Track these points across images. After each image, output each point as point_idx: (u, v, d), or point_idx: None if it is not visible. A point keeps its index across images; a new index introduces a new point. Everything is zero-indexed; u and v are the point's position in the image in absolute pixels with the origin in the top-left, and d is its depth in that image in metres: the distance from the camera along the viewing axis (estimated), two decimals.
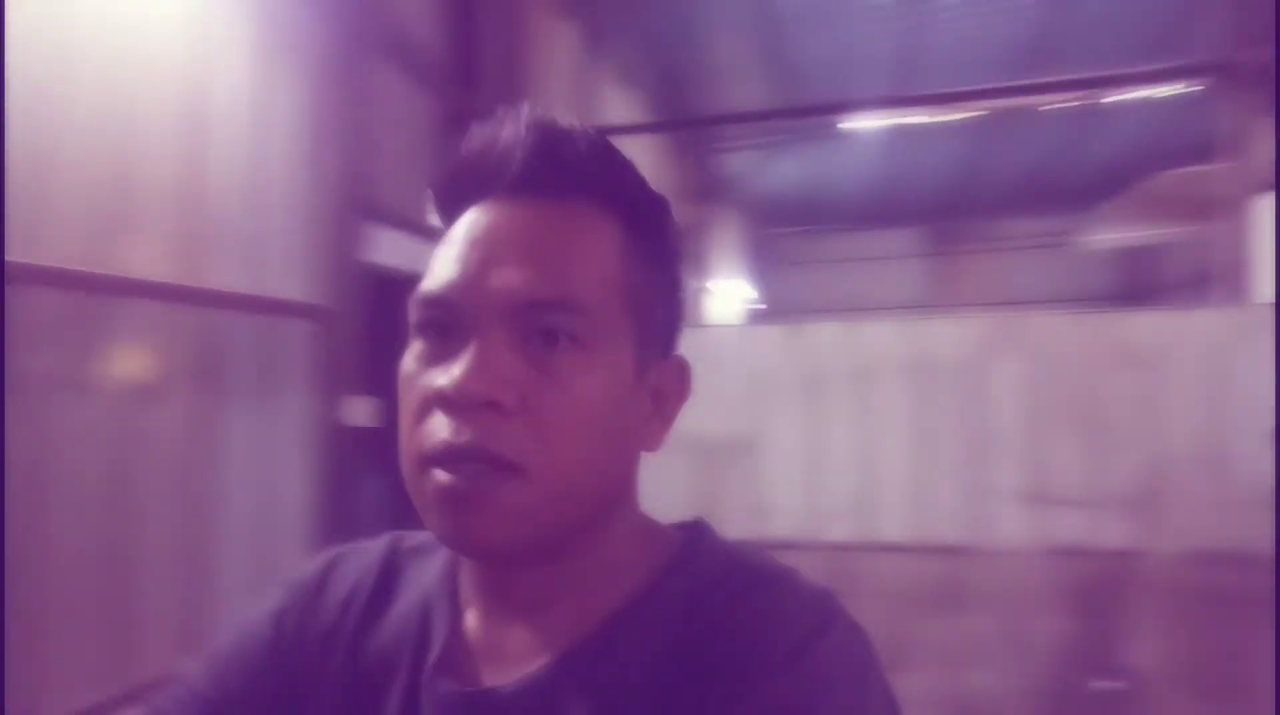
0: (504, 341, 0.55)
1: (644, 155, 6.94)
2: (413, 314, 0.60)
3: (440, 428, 0.55)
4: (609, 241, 0.59)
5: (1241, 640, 3.71)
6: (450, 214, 0.63)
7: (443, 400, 0.55)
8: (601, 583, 0.61)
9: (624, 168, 0.61)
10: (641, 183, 0.62)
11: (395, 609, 0.66)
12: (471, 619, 0.64)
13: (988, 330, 4.53)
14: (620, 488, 0.62)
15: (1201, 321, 4.51)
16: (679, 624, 0.59)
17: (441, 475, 0.55)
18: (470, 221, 0.60)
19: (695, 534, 0.65)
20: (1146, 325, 4.67)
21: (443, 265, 0.59)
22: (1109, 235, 10.01)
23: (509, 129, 0.60)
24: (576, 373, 0.56)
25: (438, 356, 0.57)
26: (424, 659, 0.62)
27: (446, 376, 0.55)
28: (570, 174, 0.59)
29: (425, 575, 0.67)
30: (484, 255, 0.57)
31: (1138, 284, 13.31)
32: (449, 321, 0.57)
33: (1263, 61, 4.50)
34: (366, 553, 0.70)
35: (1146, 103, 8.17)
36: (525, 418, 0.55)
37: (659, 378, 0.63)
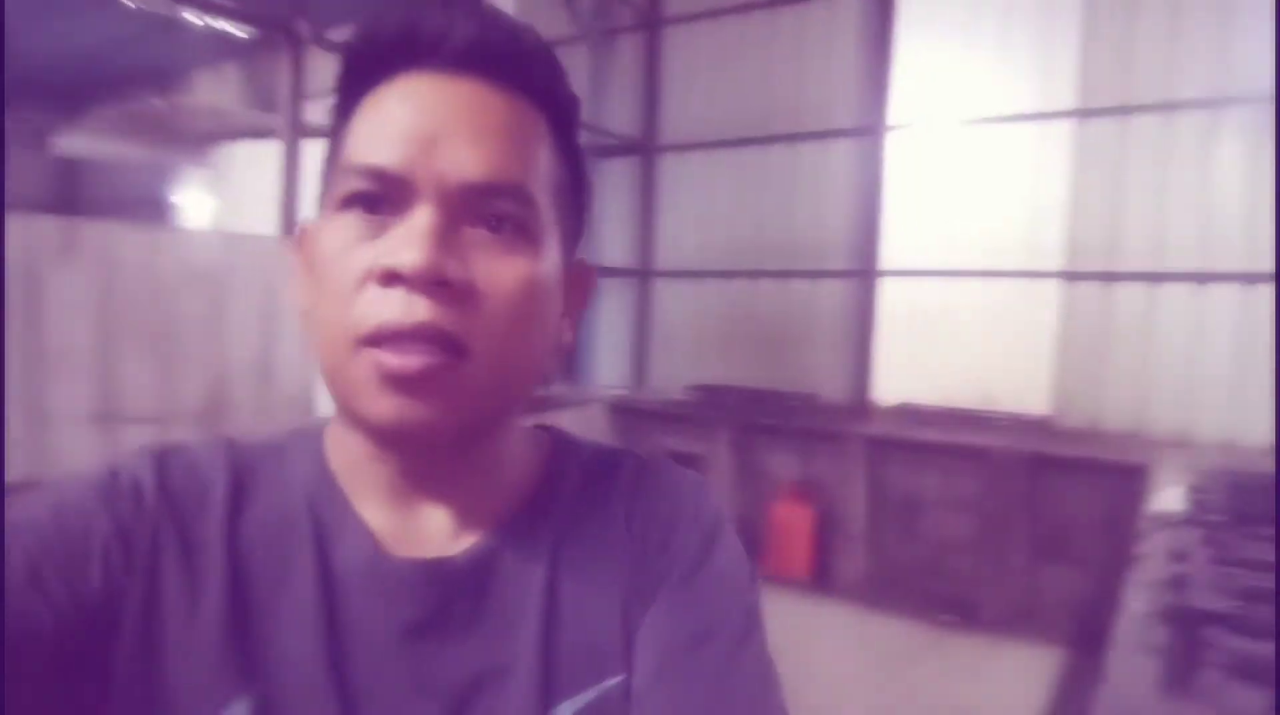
0: (449, 221, 0.55)
1: None
2: (340, 183, 0.57)
3: (384, 306, 0.53)
4: (544, 137, 0.61)
5: None
6: (365, 80, 0.60)
7: (392, 277, 0.53)
8: (506, 468, 0.65)
9: (558, 67, 0.63)
10: (568, 83, 0.64)
11: (262, 505, 0.62)
12: (372, 507, 0.62)
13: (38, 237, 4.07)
14: (539, 379, 0.64)
15: (249, 245, 5.04)
16: (590, 502, 0.67)
17: (387, 357, 0.53)
18: (407, 92, 0.57)
19: (555, 430, 0.76)
20: (205, 244, 4.96)
21: (380, 135, 0.56)
22: (85, 142, 9.58)
23: (444, 4, 0.59)
24: (520, 261, 0.57)
25: (369, 231, 0.56)
26: (330, 546, 0.61)
27: (401, 253, 0.53)
28: (511, 63, 0.59)
29: (290, 471, 0.64)
30: (433, 130, 0.55)
31: (86, 196, 13.03)
32: (383, 195, 0.55)
33: (299, 33, 5.22)
34: (201, 453, 0.63)
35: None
36: (470, 300, 0.55)
37: (571, 277, 0.65)
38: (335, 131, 0.62)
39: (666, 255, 7.60)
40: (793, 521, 5.98)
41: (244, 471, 0.63)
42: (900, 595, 5.72)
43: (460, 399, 0.55)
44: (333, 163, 0.61)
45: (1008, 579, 5.35)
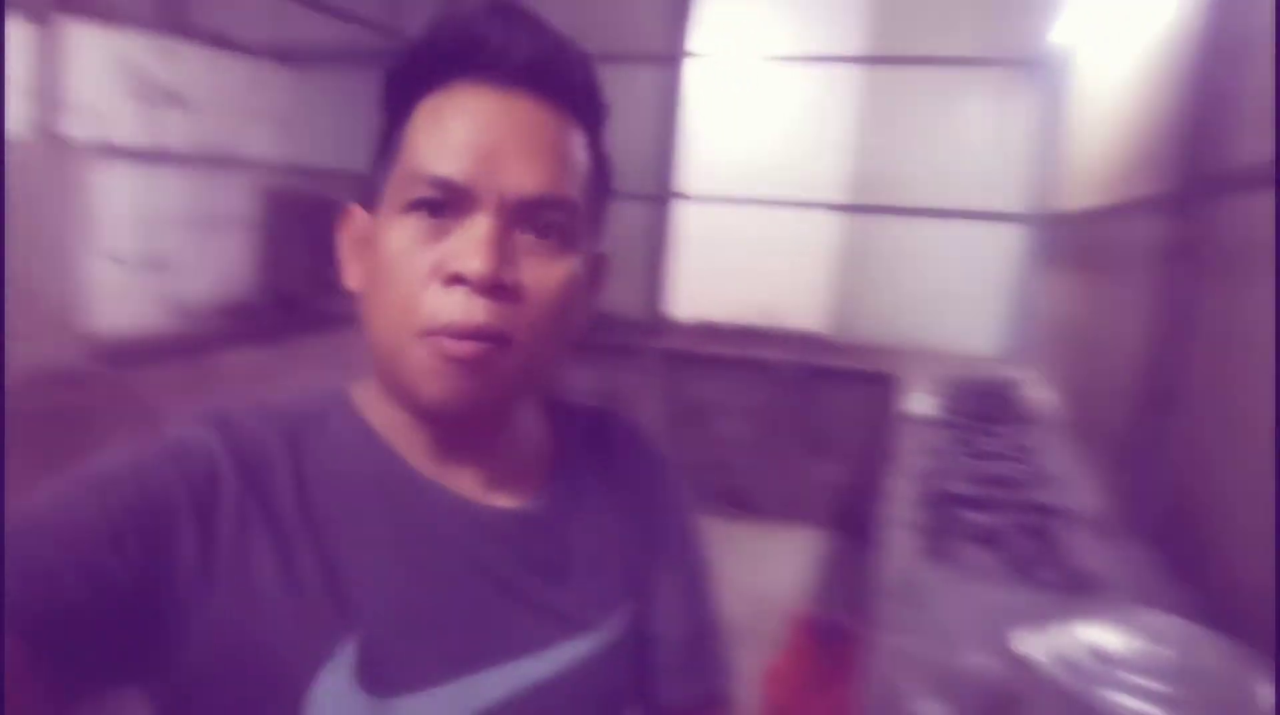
0: (504, 228, 0.63)
1: None
2: (406, 188, 0.63)
3: (449, 305, 0.62)
4: (584, 147, 0.69)
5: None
6: (422, 85, 0.66)
7: (456, 280, 0.61)
8: (523, 434, 0.77)
9: (598, 80, 0.70)
10: (605, 92, 0.72)
11: (324, 465, 0.67)
12: (427, 467, 0.71)
13: None
14: (563, 361, 0.72)
15: None
16: (598, 466, 0.81)
17: (450, 345, 0.62)
18: (471, 106, 0.63)
19: (548, 396, 0.87)
20: None
21: (446, 148, 0.62)
22: None
23: (502, 18, 0.65)
24: (559, 262, 0.66)
25: (432, 234, 0.63)
26: (405, 498, 0.68)
27: (464, 259, 0.61)
28: (563, 81, 0.66)
29: (338, 434, 0.70)
30: (494, 146, 0.62)
31: None
32: (446, 202, 0.62)
33: None
34: (256, 420, 0.68)
35: None
36: (518, 299, 0.64)
37: (592, 268, 0.73)
38: (390, 130, 0.68)
39: None
40: None
41: (297, 436, 0.68)
42: (692, 492, 6.29)
43: (500, 381, 0.65)
44: (389, 161, 0.67)
45: (784, 475, 6.07)
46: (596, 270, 0.75)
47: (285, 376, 4.55)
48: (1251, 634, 1.28)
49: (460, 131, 0.63)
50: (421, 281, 0.63)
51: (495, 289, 0.62)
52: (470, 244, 0.61)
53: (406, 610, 0.65)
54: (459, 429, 0.70)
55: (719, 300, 6.93)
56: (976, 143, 6.28)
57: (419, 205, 0.63)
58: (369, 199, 0.70)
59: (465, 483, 0.71)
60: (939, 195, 6.41)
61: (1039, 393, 4.90)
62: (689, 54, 6.70)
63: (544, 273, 0.65)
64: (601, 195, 0.73)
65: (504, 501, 0.73)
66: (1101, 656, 1.24)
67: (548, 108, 0.65)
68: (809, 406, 6.14)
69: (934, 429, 3.78)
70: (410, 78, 0.67)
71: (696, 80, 6.77)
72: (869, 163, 6.61)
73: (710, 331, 6.80)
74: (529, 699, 0.68)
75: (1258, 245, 2.53)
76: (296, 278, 5.37)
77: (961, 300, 6.41)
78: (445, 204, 0.63)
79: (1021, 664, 1.31)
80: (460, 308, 0.61)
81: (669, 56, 6.72)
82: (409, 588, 0.66)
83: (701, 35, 6.69)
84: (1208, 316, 2.83)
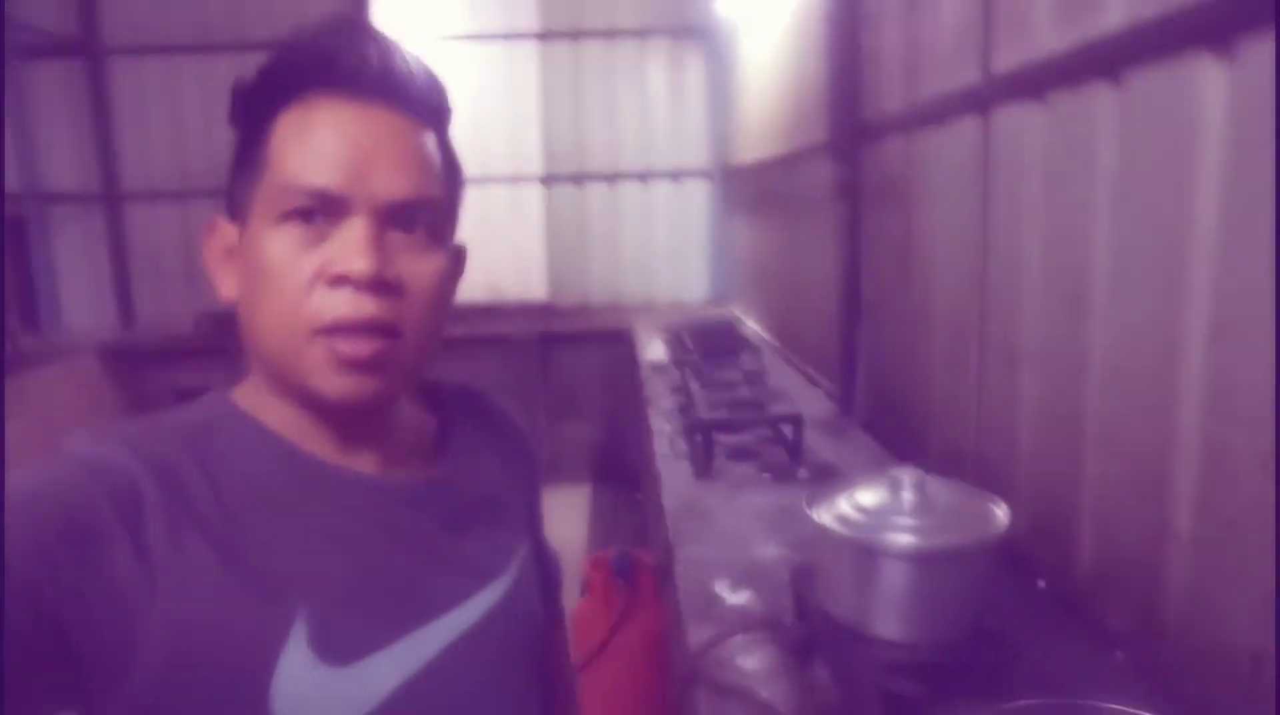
0: (378, 229, 0.67)
1: None
2: (279, 199, 0.67)
3: (337, 303, 0.65)
4: (439, 152, 0.74)
5: None
6: (279, 97, 0.69)
7: (341, 280, 0.65)
8: (407, 415, 0.83)
9: (445, 89, 0.76)
10: (448, 98, 0.77)
11: (238, 470, 0.69)
12: (328, 455, 0.74)
13: None
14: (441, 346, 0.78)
15: None
16: (474, 437, 0.89)
17: (344, 344, 0.66)
18: (336, 118, 0.67)
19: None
20: None
21: (318, 159, 0.66)
22: None
23: (352, 33, 0.70)
24: (430, 256, 0.71)
25: (310, 240, 0.66)
26: (323, 485, 0.72)
27: (347, 260, 0.64)
28: (416, 91, 0.71)
29: (238, 440, 0.71)
30: (363, 155, 0.67)
31: None
32: (320, 209, 0.66)
33: None
34: (163, 437, 0.69)
35: None
36: (399, 293, 0.68)
37: (454, 259, 0.78)
38: (249, 144, 0.71)
39: (135, 176, 6.65)
40: None
41: (199, 446, 0.70)
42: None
43: (396, 373, 0.70)
44: (253, 174, 0.70)
45: (540, 441, 6.27)
46: (458, 260, 0.80)
47: None
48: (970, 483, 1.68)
49: (330, 143, 0.66)
50: (305, 285, 0.66)
51: (379, 285, 0.66)
52: (351, 246, 0.65)
53: (343, 584, 0.69)
54: (356, 419, 0.73)
55: None
56: (658, 108, 6.82)
57: (293, 214, 0.66)
58: (233, 210, 0.72)
59: (366, 464, 0.76)
60: (632, 159, 6.89)
61: (751, 325, 5.54)
62: None
63: (419, 267, 0.70)
64: (455, 191, 0.78)
65: (405, 475, 0.79)
66: (867, 510, 1.55)
67: (402, 114, 0.70)
68: (549, 372, 6.38)
69: (672, 371, 4.17)
70: (266, 93, 0.70)
71: None
72: (561, 135, 6.91)
73: None
74: (464, 644, 0.75)
75: (901, 179, 3.12)
76: None
77: (668, 254, 6.99)
78: (319, 211, 0.66)
79: (816, 530, 1.59)
80: (349, 304, 0.65)
81: None
82: (340, 564, 0.70)
83: (380, 16, 6.52)
84: (874, 239, 3.43)
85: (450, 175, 0.76)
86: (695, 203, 6.89)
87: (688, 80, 6.74)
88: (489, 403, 0.99)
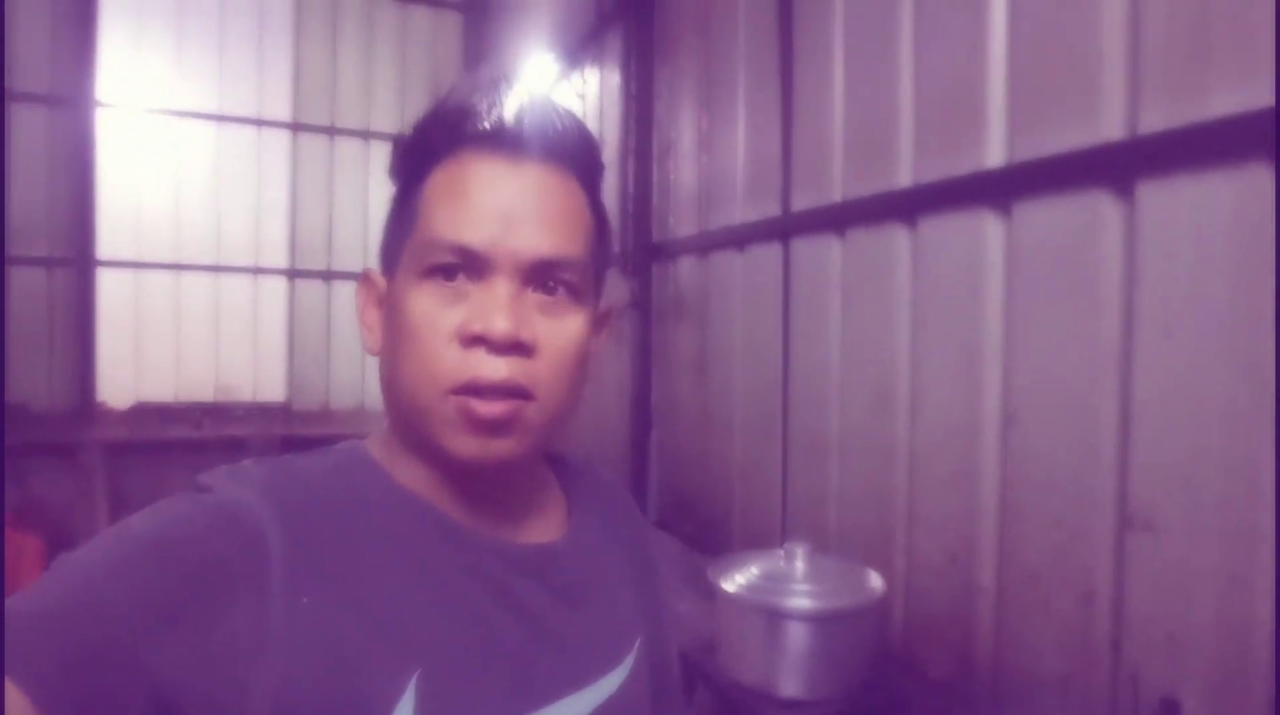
0: (519, 289, 0.66)
1: None
2: (425, 255, 0.67)
3: (472, 363, 0.64)
4: (587, 209, 0.72)
5: None
6: (434, 153, 0.70)
7: (478, 340, 0.64)
8: (538, 481, 0.80)
9: (597, 147, 0.74)
10: (599, 155, 0.75)
11: (361, 519, 0.68)
12: (456, 514, 0.72)
13: None
14: (578, 410, 0.74)
15: None
16: (597, 507, 0.85)
17: (477, 404, 0.64)
18: (485, 176, 0.68)
19: None
20: None
21: (464, 217, 0.66)
22: None
23: (505, 90, 0.70)
24: (570, 317, 0.69)
25: (451, 298, 0.66)
26: (451, 543, 0.70)
27: (485, 320, 0.64)
28: (567, 149, 0.70)
29: (363, 490, 0.71)
30: (509, 213, 0.66)
31: None
32: (460, 266, 0.66)
33: None
34: (295, 479, 0.68)
35: None
36: (535, 354, 0.66)
37: (599, 321, 0.76)
38: (404, 199, 0.72)
39: None
40: (19, 557, 5.05)
41: (328, 494, 0.69)
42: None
43: (527, 435, 0.67)
44: (405, 228, 0.71)
45: None
46: (603, 323, 0.78)
47: None
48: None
49: (476, 200, 0.67)
50: (444, 342, 0.65)
51: (514, 346, 0.65)
52: (490, 305, 0.64)
53: (459, 651, 0.67)
54: (484, 480, 0.72)
55: (164, 380, 6.17)
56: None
57: (437, 270, 0.66)
58: (386, 264, 0.73)
59: (490, 527, 0.73)
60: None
61: None
62: (98, 103, 5.90)
63: (557, 328, 0.68)
64: (603, 251, 0.76)
65: (528, 542, 0.76)
66: (767, 576, 1.73)
67: (552, 172, 0.70)
68: None
69: None
70: (421, 150, 0.71)
71: (111, 136, 5.99)
72: (310, 229, 6.68)
73: (160, 414, 6.01)
74: None
75: (696, 295, 3.50)
76: None
77: None
78: (461, 268, 0.66)
79: (723, 595, 1.73)
80: (483, 365, 0.64)
81: (70, 101, 5.81)
82: (458, 630, 0.68)
83: (112, 86, 5.96)
84: (666, 349, 3.76)
85: (598, 234, 0.75)
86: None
87: None
88: (612, 485, 0.95)
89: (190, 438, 5.70)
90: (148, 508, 0.59)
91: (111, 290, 6.00)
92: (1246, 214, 1.49)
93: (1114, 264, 1.72)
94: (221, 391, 6.32)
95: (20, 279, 5.70)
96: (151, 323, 6.15)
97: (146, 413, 6.01)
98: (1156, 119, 1.64)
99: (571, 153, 0.71)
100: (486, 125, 0.68)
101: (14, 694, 0.46)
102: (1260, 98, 1.45)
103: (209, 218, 6.34)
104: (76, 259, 5.83)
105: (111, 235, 5.98)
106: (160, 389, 6.15)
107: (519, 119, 0.69)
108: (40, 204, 5.71)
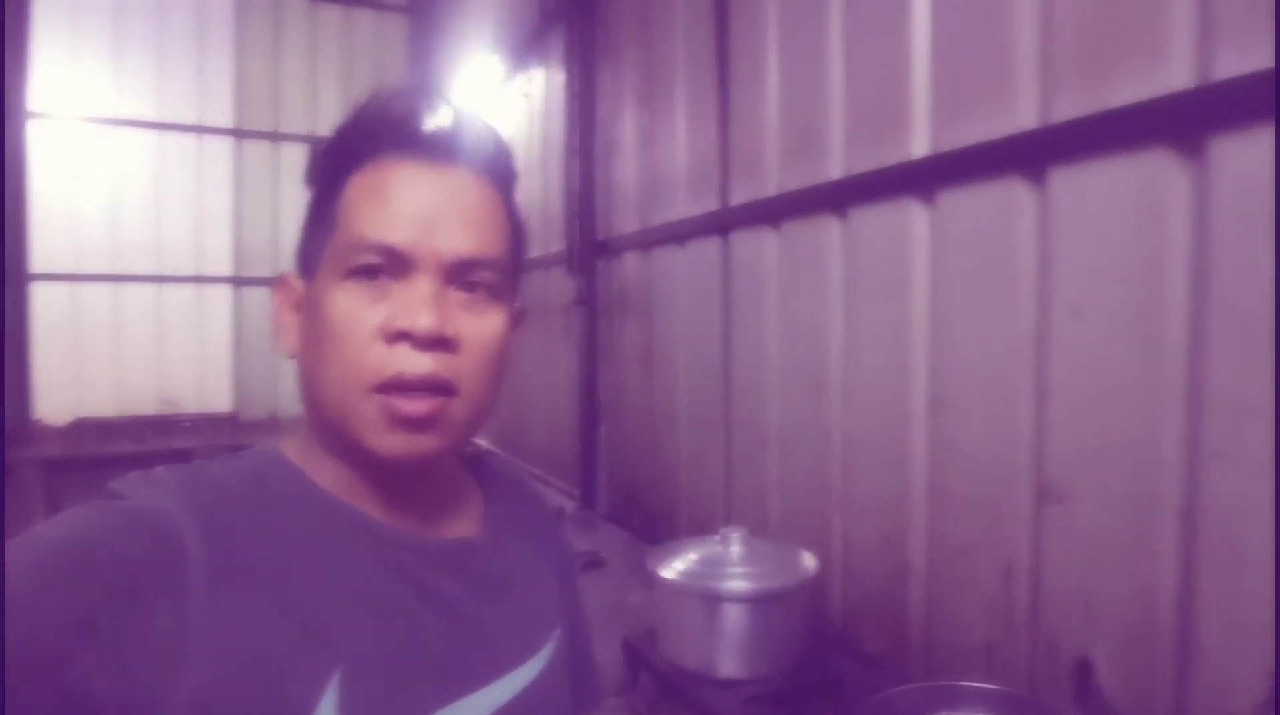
0: (441, 287, 0.68)
1: None
2: (348, 256, 0.68)
3: (396, 359, 0.65)
4: (504, 214, 0.74)
5: None
6: (352, 159, 0.72)
7: (402, 336, 0.65)
8: (455, 473, 0.82)
9: (510, 153, 0.77)
10: (514, 162, 0.78)
11: (280, 520, 0.69)
12: (374, 512, 0.73)
13: None
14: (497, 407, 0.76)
15: None
16: (513, 505, 0.87)
17: (399, 402, 0.65)
18: (406, 179, 0.70)
19: None
20: None
21: (387, 218, 0.68)
22: None
23: (422, 98, 0.72)
24: (491, 315, 0.71)
25: (374, 296, 0.67)
26: (369, 541, 0.71)
27: (410, 317, 0.65)
28: (483, 154, 0.73)
29: (281, 490, 0.71)
30: (430, 216, 0.68)
31: None
32: (383, 267, 0.67)
33: None
34: (212, 481, 0.68)
35: None
36: (457, 350, 0.68)
37: (514, 320, 0.77)
38: (322, 200, 0.73)
39: None
40: None
41: (244, 496, 0.69)
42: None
43: (451, 431, 0.69)
44: (324, 231, 0.72)
45: None
46: (518, 322, 0.80)
47: None
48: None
49: (398, 202, 0.69)
50: (367, 340, 0.66)
51: (438, 342, 0.66)
52: (414, 303, 0.66)
53: (379, 647, 0.68)
54: (405, 477, 0.73)
55: (104, 393, 6.03)
56: None
57: (360, 271, 0.67)
58: (303, 267, 0.74)
59: (410, 523, 0.75)
60: None
61: None
62: (30, 113, 5.75)
63: (477, 325, 0.70)
64: (518, 254, 0.79)
65: (446, 537, 0.77)
66: (705, 564, 1.76)
67: (470, 176, 0.72)
68: None
69: None
70: (341, 154, 0.72)
71: (44, 147, 5.84)
72: (254, 236, 6.59)
73: (101, 429, 5.87)
74: None
75: (639, 290, 3.53)
76: None
77: None
78: (384, 268, 0.67)
79: (661, 582, 1.76)
80: (407, 361, 0.66)
81: (2, 111, 5.65)
82: (378, 626, 0.69)
83: (44, 97, 5.81)
84: (611, 344, 3.78)
85: (514, 236, 0.77)
86: None
87: None
88: (525, 484, 0.97)
89: (133, 452, 5.56)
90: (57, 516, 0.59)
91: (47, 304, 5.85)
92: (1149, 198, 1.56)
93: (1029, 249, 1.79)
94: (166, 404, 6.20)
95: None
96: (90, 335, 6.00)
97: (86, 428, 5.87)
98: (1068, 108, 1.71)
99: (488, 158, 0.73)
100: (407, 131, 0.70)
101: None
102: (1163, 84, 1.52)
103: (149, 227, 6.21)
104: (8, 272, 5.67)
105: (46, 248, 5.82)
106: (100, 403, 6.00)
107: (438, 125, 0.71)
108: None
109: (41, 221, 5.82)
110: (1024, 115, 1.81)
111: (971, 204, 1.94)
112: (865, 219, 2.25)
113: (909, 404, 2.06)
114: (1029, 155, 1.79)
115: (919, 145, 2.10)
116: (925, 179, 2.05)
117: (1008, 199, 1.84)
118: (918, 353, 2.05)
